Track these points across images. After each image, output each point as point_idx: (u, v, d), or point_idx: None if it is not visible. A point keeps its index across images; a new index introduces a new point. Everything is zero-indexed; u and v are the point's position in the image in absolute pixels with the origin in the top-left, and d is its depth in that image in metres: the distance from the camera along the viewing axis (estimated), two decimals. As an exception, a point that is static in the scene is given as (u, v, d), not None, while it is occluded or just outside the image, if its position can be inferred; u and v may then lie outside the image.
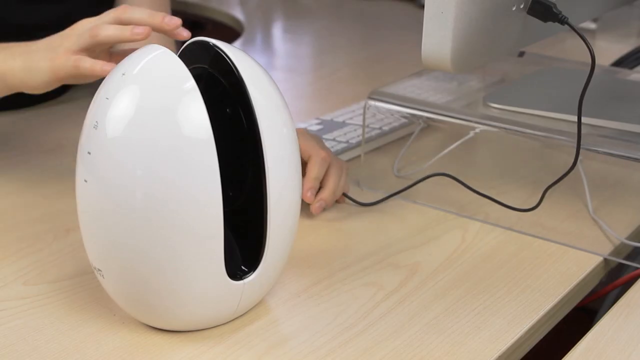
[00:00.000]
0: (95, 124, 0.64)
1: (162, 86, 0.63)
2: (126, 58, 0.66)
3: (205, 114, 0.62)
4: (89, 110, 0.66)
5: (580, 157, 0.86)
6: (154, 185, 0.62)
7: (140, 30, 0.76)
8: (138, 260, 0.64)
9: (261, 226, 0.67)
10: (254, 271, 0.68)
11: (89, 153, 0.64)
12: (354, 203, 0.89)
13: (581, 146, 0.84)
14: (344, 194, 0.90)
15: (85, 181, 0.65)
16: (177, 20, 0.77)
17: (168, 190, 0.62)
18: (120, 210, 0.63)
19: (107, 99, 0.64)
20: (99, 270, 0.67)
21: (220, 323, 0.70)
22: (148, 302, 0.67)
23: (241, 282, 0.67)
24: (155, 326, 0.69)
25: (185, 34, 0.77)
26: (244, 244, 0.69)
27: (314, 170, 0.86)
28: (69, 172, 0.97)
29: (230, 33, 1.65)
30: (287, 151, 0.67)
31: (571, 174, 0.89)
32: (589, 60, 0.78)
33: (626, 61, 1.18)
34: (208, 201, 0.63)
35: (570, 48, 1.33)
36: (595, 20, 1.56)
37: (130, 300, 0.68)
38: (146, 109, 0.63)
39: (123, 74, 0.64)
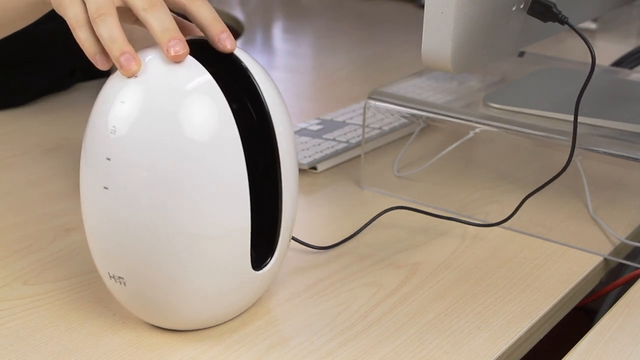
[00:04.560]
0: (113, 129, 0.62)
1: (180, 88, 0.63)
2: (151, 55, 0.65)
3: (230, 113, 0.63)
4: (98, 115, 0.64)
5: (580, 157, 0.87)
6: (183, 188, 0.62)
7: (179, 50, 0.63)
8: (167, 264, 0.64)
9: (268, 214, 0.67)
10: (270, 260, 0.69)
11: (109, 159, 0.63)
12: (310, 248, 0.81)
13: (581, 146, 0.84)
14: (297, 239, 0.81)
15: (106, 188, 0.63)
16: (232, 43, 0.67)
17: (198, 193, 0.62)
18: (148, 216, 0.62)
19: (122, 102, 0.63)
20: (120, 278, 0.65)
21: (239, 314, 0.71)
22: (173, 305, 0.66)
23: (260, 271, 0.68)
24: (178, 328, 0.69)
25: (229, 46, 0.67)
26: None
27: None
28: (69, 172, 0.98)
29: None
30: (292, 144, 0.69)
31: (571, 174, 0.89)
32: (589, 60, 0.78)
33: (626, 61, 1.18)
34: (237, 197, 0.63)
35: (570, 48, 1.33)
36: (595, 20, 1.56)
37: (154, 305, 0.67)
38: (167, 112, 0.62)
39: (135, 76, 0.63)
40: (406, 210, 0.88)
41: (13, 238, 0.83)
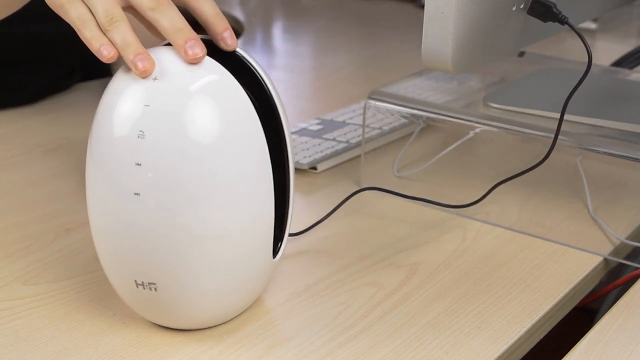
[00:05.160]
0: (140, 133, 0.61)
1: (206, 88, 0.63)
2: (163, 55, 0.64)
3: (254, 111, 0.64)
4: (115, 118, 0.63)
5: (580, 157, 0.87)
6: (217, 187, 0.63)
7: (198, 52, 0.63)
8: (204, 264, 0.64)
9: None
10: (280, 246, 0.70)
11: (139, 164, 0.62)
12: None
13: (581, 146, 0.84)
14: None
15: (137, 194, 0.62)
16: (234, 42, 0.67)
17: (231, 190, 0.63)
18: (185, 219, 0.63)
19: (146, 105, 0.62)
20: (151, 284, 0.65)
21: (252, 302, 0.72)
22: (205, 304, 0.67)
23: (275, 258, 0.69)
24: (201, 327, 0.69)
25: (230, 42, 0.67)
26: None
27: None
28: (69, 172, 0.98)
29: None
30: (291, 139, 0.70)
31: (571, 173, 0.89)
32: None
33: (626, 61, 1.18)
34: (265, 189, 0.65)
35: (570, 48, 1.33)
36: (595, 20, 1.56)
37: (182, 308, 0.67)
38: (197, 114, 0.62)
39: (155, 79, 0.62)
40: (406, 210, 0.89)
41: (13, 238, 0.83)
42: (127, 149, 0.62)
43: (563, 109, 0.79)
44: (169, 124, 0.61)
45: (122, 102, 0.63)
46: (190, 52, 0.63)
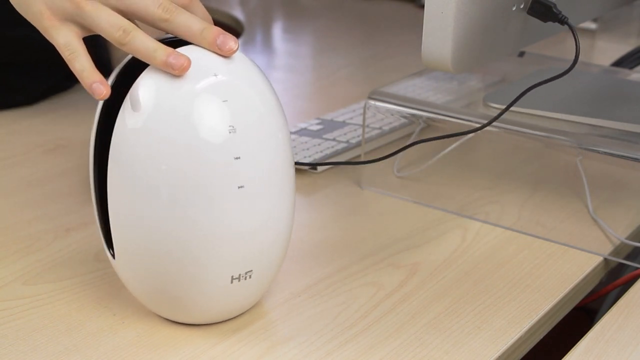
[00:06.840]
0: (231, 128, 0.62)
1: (261, 82, 0.66)
2: (192, 55, 0.63)
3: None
4: (187, 118, 0.62)
5: (580, 157, 0.87)
6: (291, 176, 0.67)
7: (232, 45, 0.64)
8: (282, 248, 0.69)
9: None
10: None
11: (238, 158, 0.63)
12: None
13: (581, 146, 0.84)
14: None
15: (242, 187, 0.63)
16: (234, 45, 0.66)
17: (292, 177, 0.68)
18: (281, 205, 0.67)
19: (224, 101, 0.63)
20: (249, 272, 0.66)
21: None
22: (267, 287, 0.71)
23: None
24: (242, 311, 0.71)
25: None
26: None
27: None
28: (69, 172, 0.98)
29: (230, 33, 1.64)
30: None
31: (571, 173, 0.89)
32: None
33: (626, 61, 1.18)
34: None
35: (570, 48, 1.33)
36: (595, 20, 1.56)
37: (259, 292, 0.71)
38: (271, 106, 0.66)
39: (215, 75, 0.63)
40: (406, 210, 0.88)
41: (13, 238, 0.83)
42: (221, 145, 0.62)
43: (517, 98, 0.80)
44: (253, 116, 0.64)
45: (197, 102, 0.62)
46: (225, 47, 0.64)
